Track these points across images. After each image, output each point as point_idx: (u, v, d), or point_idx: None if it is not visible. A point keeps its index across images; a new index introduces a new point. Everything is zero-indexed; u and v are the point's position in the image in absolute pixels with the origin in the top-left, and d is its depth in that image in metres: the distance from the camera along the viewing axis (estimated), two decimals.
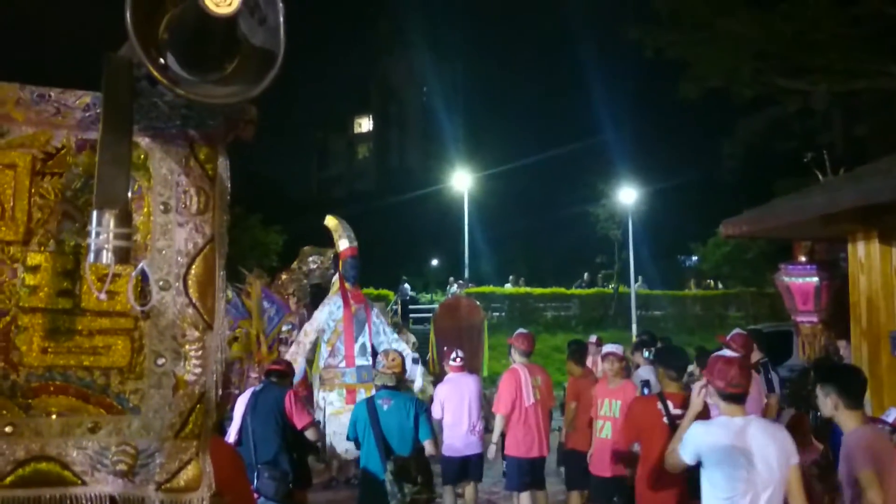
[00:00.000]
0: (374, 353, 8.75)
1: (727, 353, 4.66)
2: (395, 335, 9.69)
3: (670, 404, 5.37)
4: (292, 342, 9.70)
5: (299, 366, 8.74)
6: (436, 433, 6.41)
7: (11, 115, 1.76)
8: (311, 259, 11.32)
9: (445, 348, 9.22)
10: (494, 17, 70.66)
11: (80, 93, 1.80)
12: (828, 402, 4.15)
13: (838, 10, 16.39)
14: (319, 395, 9.13)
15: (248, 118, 1.91)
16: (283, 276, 11.34)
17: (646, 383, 7.18)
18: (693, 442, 4.30)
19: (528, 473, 7.68)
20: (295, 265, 11.51)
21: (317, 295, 10.86)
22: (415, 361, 9.48)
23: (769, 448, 4.08)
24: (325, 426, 8.75)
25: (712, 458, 4.19)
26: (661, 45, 19.33)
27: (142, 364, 1.82)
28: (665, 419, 5.31)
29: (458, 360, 8.22)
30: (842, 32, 16.56)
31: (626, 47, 24.09)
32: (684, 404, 5.16)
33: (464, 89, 67.72)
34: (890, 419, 5.25)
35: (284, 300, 10.66)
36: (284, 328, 10.14)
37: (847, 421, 4.13)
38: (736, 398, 4.23)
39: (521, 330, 8.32)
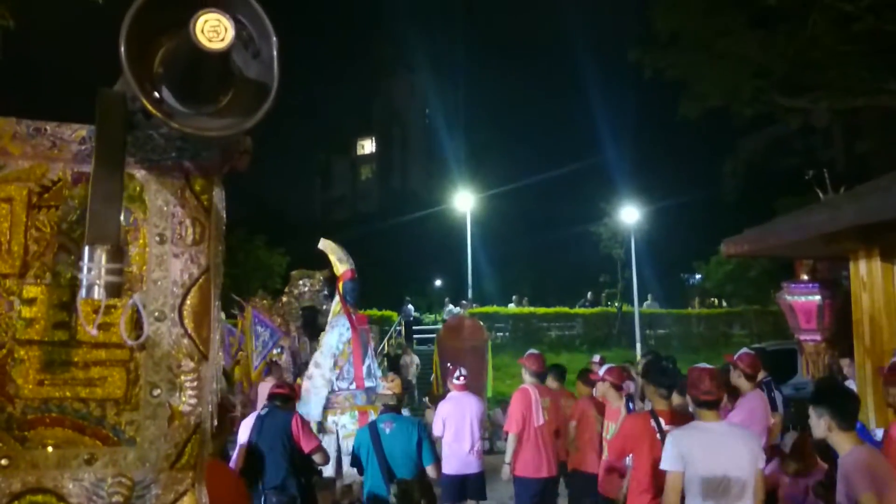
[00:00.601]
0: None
1: (703, 365, 5.11)
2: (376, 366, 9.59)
3: (662, 421, 5.52)
4: (279, 364, 9.81)
5: (315, 406, 8.71)
6: (439, 457, 6.40)
7: (7, 149, 1.78)
8: (300, 282, 11.54)
9: (450, 366, 9.26)
10: (495, 38, 71.11)
11: (75, 126, 1.82)
12: (821, 424, 4.15)
13: (837, 29, 16.45)
14: (330, 419, 9.05)
15: (243, 149, 1.92)
16: (283, 299, 11.47)
17: (630, 398, 7.31)
18: (674, 446, 4.63)
19: (537, 494, 7.65)
20: (287, 289, 11.68)
21: (308, 317, 10.97)
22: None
23: (739, 450, 4.54)
24: (338, 449, 8.72)
25: (690, 459, 4.54)
26: (660, 66, 19.41)
27: (137, 395, 1.83)
28: (658, 435, 5.42)
29: (462, 378, 8.27)
30: (841, 50, 16.62)
31: (626, 68, 24.18)
32: (674, 420, 5.44)
33: (466, 110, 67.98)
34: (877, 439, 5.24)
35: (285, 323, 10.76)
36: (276, 351, 10.22)
37: (841, 443, 4.12)
38: (709, 405, 4.71)
39: (531, 350, 8.43)
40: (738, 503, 4.49)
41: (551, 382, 8.77)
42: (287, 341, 10.48)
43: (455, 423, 7.99)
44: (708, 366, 5.10)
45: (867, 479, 3.85)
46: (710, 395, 4.72)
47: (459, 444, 7.90)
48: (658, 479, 5.18)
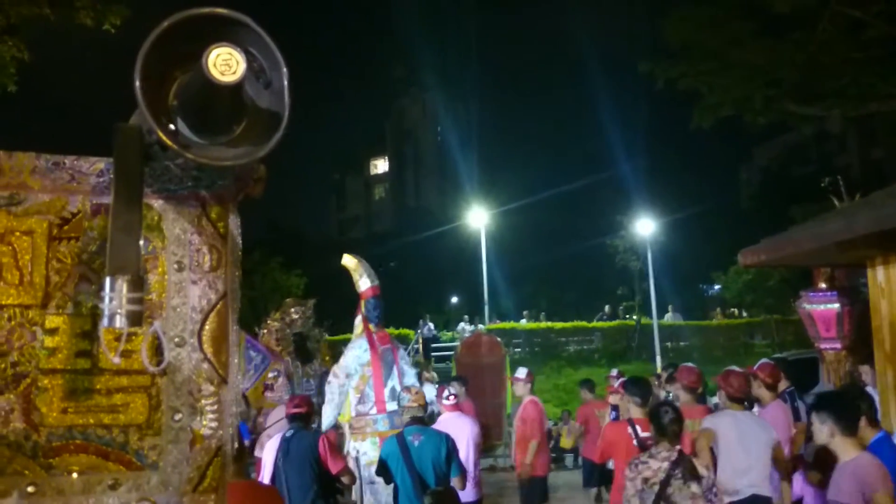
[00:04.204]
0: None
1: (736, 368, 6.62)
2: (415, 377, 9.19)
3: (639, 428, 6.21)
4: (276, 387, 9.96)
5: (328, 416, 8.33)
6: (464, 470, 6.41)
7: (28, 183, 1.83)
8: (293, 310, 12.02)
9: (439, 386, 8.90)
10: (506, 55, 71.42)
11: (93, 159, 1.86)
12: (824, 430, 4.20)
13: (848, 36, 16.39)
14: (351, 445, 8.42)
15: (257, 177, 1.96)
16: (276, 325, 11.85)
17: (615, 408, 7.66)
18: (709, 422, 5.96)
19: (547, 488, 9.04)
20: (277, 315, 12.10)
21: (298, 343, 11.32)
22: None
23: (758, 432, 5.81)
24: (360, 478, 7.97)
25: (722, 438, 5.75)
26: (671, 77, 19.37)
27: (159, 420, 1.86)
28: (635, 442, 6.15)
29: (452, 398, 7.66)
30: (852, 57, 16.55)
31: (638, 79, 24.19)
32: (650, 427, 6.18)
33: (478, 126, 68.18)
34: None
35: (282, 348, 11.09)
36: (270, 375, 10.42)
37: (847, 448, 4.14)
38: (738, 400, 6.14)
39: (524, 368, 9.58)
40: (761, 470, 5.68)
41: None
42: (281, 366, 10.74)
43: None
44: (740, 370, 6.56)
45: (882, 481, 3.87)
46: (741, 393, 6.17)
47: None
48: None
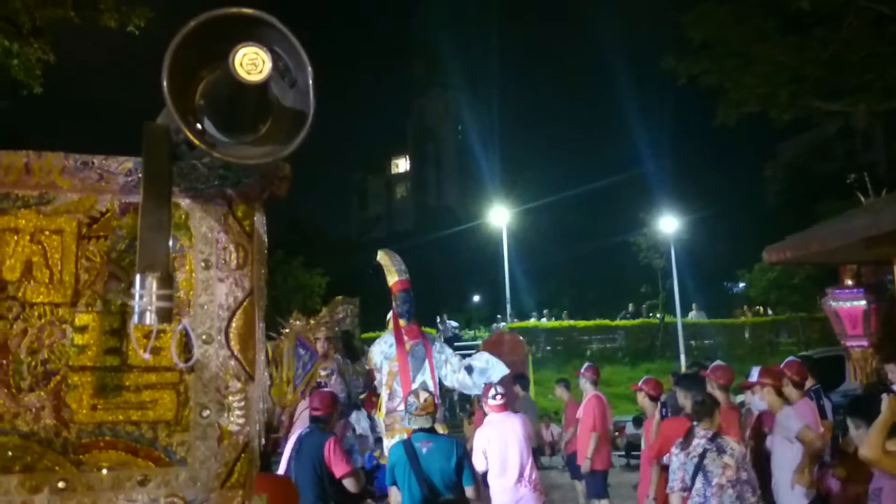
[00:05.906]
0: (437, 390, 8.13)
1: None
2: (457, 363, 8.33)
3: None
4: (330, 385, 9.86)
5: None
6: (478, 478, 6.05)
7: (57, 182, 1.86)
8: (340, 308, 11.94)
9: (485, 384, 8.60)
10: (528, 53, 71.26)
11: (122, 159, 1.89)
12: (861, 435, 4.15)
13: (873, 31, 16.26)
14: (385, 443, 8.10)
15: (282, 175, 1.98)
16: (311, 322, 11.77)
17: (664, 404, 7.64)
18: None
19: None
20: (325, 312, 12.02)
21: (344, 341, 11.35)
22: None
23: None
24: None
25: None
26: (694, 73, 19.27)
27: (187, 416, 1.88)
28: None
29: (499, 397, 7.14)
30: (878, 52, 16.40)
31: (661, 76, 24.08)
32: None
33: (499, 125, 68.20)
34: None
35: (333, 346, 11.01)
36: (323, 373, 10.35)
37: None
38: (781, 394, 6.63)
39: (589, 363, 10.38)
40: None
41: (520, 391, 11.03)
42: (333, 364, 10.70)
43: (498, 452, 6.81)
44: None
45: None
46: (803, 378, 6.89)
47: (505, 477, 6.78)
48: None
